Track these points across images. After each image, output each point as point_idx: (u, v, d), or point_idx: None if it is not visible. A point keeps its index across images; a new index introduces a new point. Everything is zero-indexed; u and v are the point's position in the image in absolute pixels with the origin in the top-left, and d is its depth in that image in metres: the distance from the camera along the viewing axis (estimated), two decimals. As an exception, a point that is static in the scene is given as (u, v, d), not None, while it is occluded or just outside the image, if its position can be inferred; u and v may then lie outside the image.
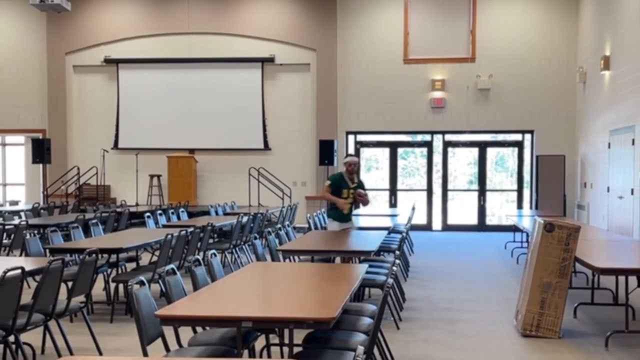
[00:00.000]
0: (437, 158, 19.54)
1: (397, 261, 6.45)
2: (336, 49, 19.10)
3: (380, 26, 19.04)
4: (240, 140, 19.54)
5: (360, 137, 19.82)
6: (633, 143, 13.41)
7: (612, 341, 7.04)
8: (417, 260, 13.23)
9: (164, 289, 5.13)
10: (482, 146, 19.51)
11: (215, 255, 6.30)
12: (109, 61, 19.89)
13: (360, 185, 10.36)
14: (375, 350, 5.41)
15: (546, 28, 18.60)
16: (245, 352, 5.14)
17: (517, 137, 19.36)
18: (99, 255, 7.20)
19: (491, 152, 19.72)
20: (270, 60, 19.40)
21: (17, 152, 21.42)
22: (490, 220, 19.47)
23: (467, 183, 19.86)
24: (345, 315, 5.55)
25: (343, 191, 10.01)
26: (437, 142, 19.54)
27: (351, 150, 19.79)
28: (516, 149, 19.49)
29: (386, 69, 18.98)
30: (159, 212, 13.72)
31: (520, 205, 19.27)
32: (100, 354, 6.43)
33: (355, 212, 17.11)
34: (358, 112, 19.17)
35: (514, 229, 15.00)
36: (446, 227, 19.48)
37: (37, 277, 6.43)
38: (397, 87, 18.92)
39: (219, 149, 19.64)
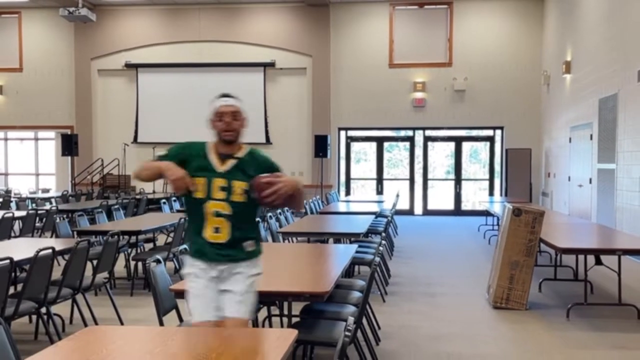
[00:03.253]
0: (418, 151, 19.52)
1: (383, 242, 6.45)
2: (329, 54, 19.06)
3: (368, 35, 19.00)
4: (245, 135, 19.44)
5: (351, 133, 19.78)
6: (591, 138, 13.41)
7: (573, 312, 7.05)
8: (401, 241, 13.24)
9: (177, 267, 5.11)
10: (458, 141, 19.50)
11: (223, 237, 6.27)
12: (129, 66, 19.83)
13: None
14: (364, 321, 5.40)
15: (514, 36, 18.58)
16: (249, 322, 5.13)
17: (489, 132, 19.34)
18: (121, 237, 7.19)
19: (466, 146, 19.71)
20: (271, 65, 19.36)
21: (49, 146, 21.37)
22: (465, 206, 19.48)
23: (445, 173, 19.84)
24: (337, 290, 5.54)
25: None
26: (419, 137, 19.51)
27: (342, 145, 19.77)
28: (488, 143, 19.46)
29: (373, 73, 18.95)
30: (173, 198, 13.69)
31: (491, 193, 19.28)
32: (122, 323, 6.42)
33: (345, 198, 17.16)
34: (349, 110, 19.14)
35: (486, 213, 15.02)
36: (426, 212, 19.49)
37: (66, 256, 6.41)
38: (383, 89, 18.89)
39: (227, 143, 19.58)
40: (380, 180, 19.81)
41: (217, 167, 3.73)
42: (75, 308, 6.38)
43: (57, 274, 5.76)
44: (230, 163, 3.74)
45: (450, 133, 19.36)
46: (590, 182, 13.43)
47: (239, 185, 3.68)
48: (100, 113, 20.19)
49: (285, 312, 4.70)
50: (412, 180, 19.53)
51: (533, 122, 18.56)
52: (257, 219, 3.96)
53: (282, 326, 5.95)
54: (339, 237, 8.28)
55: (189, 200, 3.75)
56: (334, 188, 19.06)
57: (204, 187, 3.68)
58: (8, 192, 18.11)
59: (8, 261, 4.87)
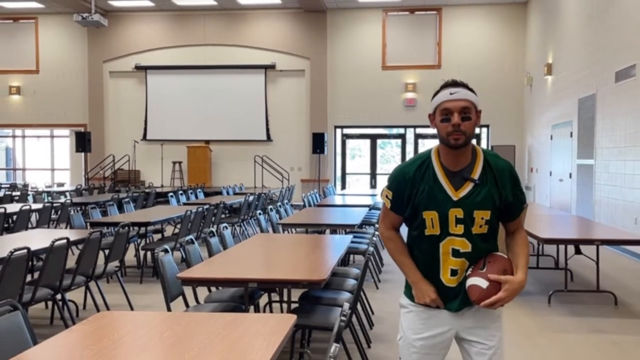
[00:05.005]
0: (410, 148, 19.51)
1: (376, 232, 6.44)
2: (326, 57, 19.03)
3: (363, 39, 18.96)
4: (247, 132, 19.49)
5: (346, 131, 19.76)
6: (571, 135, 13.41)
7: (554, 299, 7.06)
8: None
9: (184, 256, 5.11)
10: (447, 138, 19.49)
11: (226, 228, 6.28)
12: (139, 68, 19.79)
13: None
14: (359, 306, 5.41)
15: (499, 40, 18.56)
16: (251, 307, 5.13)
17: (475, 130, 19.31)
18: (131, 228, 7.18)
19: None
20: (272, 67, 19.33)
21: (63, 143, 21.33)
22: (453, 199, 19.46)
23: (434, 168, 19.82)
24: (333, 277, 5.54)
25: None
26: (410, 134, 19.51)
27: (338, 142, 19.76)
28: (474, 140, 19.43)
29: (367, 74, 18.93)
30: (180, 192, 13.68)
31: (477, 187, 19.26)
32: (132, 309, 6.42)
33: (341, 191, 17.18)
34: (344, 109, 19.12)
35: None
36: (417, 205, 19.47)
37: (80, 246, 6.40)
38: (377, 89, 18.88)
39: (230, 140, 19.59)
40: (373, 175, 19.80)
41: (452, 195, 2.60)
42: (89, 294, 6.37)
43: (71, 262, 5.75)
44: (468, 188, 2.60)
45: (439, 131, 19.35)
46: (570, 176, 13.44)
47: (481, 215, 2.58)
48: (111, 112, 20.15)
49: (285, 298, 4.70)
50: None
51: (517, 120, 18.56)
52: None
53: (282, 311, 5.95)
54: (335, 228, 8.28)
55: (417, 236, 2.70)
56: (330, 182, 19.06)
57: (436, 221, 2.60)
58: (25, 186, 18.09)
59: (25, 251, 4.85)
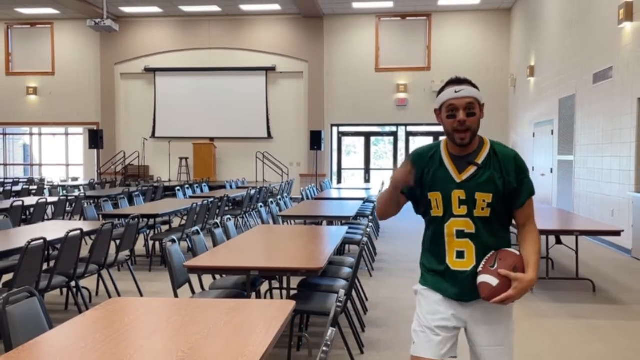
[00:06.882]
0: (401, 144, 19.51)
1: (370, 224, 6.43)
2: (323, 60, 19.01)
3: (357, 42, 18.94)
4: (249, 130, 19.48)
5: (342, 129, 19.75)
6: (552, 133, 13.41)
7: (536, 286, 7.05)
8: (386, 223, 13.23)
9: (190, 246, 5.10)
10: (436, 135, 19.47)
11: (230, 220, 6.27)
12: (148, 70, 19.76)
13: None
14: (353, 293, 5.40)
15: (485, 44, 18.55)
16: (253, 294, 5.13)
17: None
18: (140, 220, 7.16)
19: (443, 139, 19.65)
20: (272, 69, 19.30)
21: (77, 140, 21.31)
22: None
23: (424, 164, 19.79)
24: (330, 266, 5.54)
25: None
26: (401, 132, 19.50)
27: (334, 139, 19.75)
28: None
29: (361, 76, 18.91)
30: (187, 186, 13.67)
31: (464, 181, 19.25)
32: (142, 295, 6.41)
33: (337, 185, 17.19)
34: (340, 109, 19.11)
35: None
36: (408, 198, 19.45)
37: (93, 237, 6.39)
38: (370, 90, 18.86)
39: (233, 137, 19.57)
40: (367, 170, 19.80)
41: (455, 177, 2.57)
42: (101, 282, 6.36)
43: (84, 252, 5.74)
44: (471, 171, 2.56)
45: (429, 129, 19.34)
46: (552, 171, 13.45)
47: (483, 197, 2.51)
48: (122, 111, 20.12)
49: (285, 285, 4.69)
50: (395, 170, 19.46)
51: (501, 119, 18.55)
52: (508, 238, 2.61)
53: (281, 298, 5.95)
54: (331, 220, 8.27)
55: (426, 219, 2.70)
56: (327, 177, 19.07)
57: (440, 202, 2.59)
58: (42, 180, 18.06)
59: (42, 241, 4.84)
